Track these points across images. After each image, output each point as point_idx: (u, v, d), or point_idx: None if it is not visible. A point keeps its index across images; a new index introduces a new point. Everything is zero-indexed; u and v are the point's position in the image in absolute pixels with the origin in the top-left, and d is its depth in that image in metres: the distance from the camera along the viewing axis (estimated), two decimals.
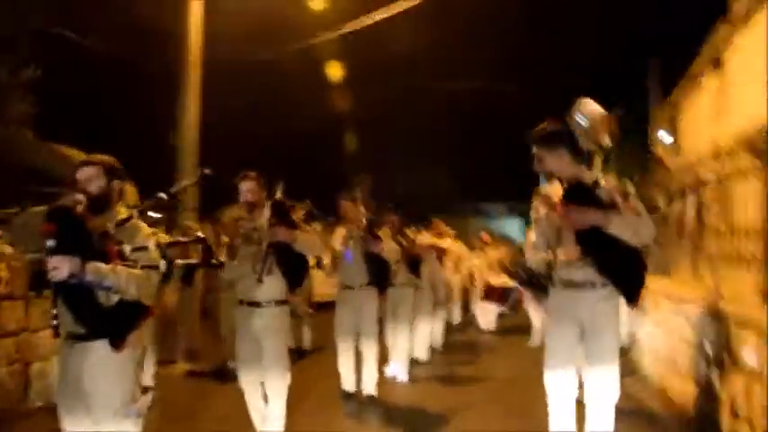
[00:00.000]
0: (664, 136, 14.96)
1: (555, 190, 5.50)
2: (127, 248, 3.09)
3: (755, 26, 8.49)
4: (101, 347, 2.98)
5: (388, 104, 19.89)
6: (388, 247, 5.95)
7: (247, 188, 4.56)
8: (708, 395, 4.40)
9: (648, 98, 15.95)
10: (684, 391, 4.92)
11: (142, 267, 3.07)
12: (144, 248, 3.15)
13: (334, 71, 15.88)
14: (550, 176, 3.82)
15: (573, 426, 3.65)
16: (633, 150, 14.75)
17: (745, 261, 4.75)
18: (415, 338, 7.50)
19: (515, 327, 10.27)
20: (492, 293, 10.04)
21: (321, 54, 13.44)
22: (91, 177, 3.19)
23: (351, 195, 5.73)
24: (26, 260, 5.60)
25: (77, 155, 9.82)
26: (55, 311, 2.88)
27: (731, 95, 10.06)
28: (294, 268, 4.53)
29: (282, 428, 4.43)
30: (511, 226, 30.70)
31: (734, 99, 9.89)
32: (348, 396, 5.83)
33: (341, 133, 21.36)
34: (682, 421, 4.86)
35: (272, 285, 4.42)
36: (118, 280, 2.95)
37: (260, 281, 4.36)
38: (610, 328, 3.58)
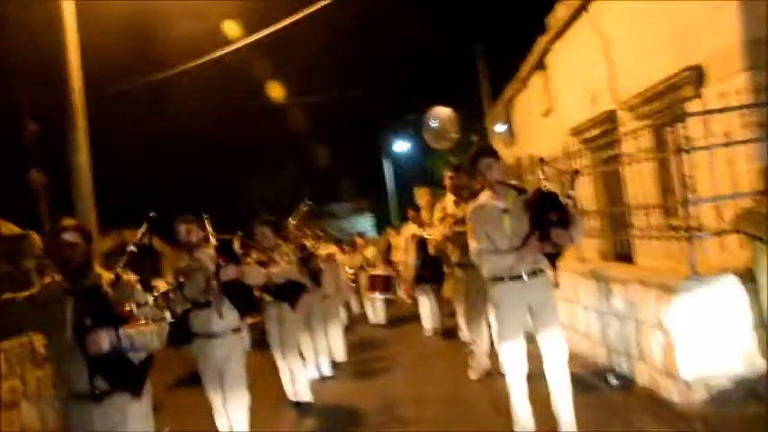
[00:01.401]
0: (499, 127, 16.76)
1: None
2: (134, 307, 3.33)
3: (571, 37, 10.17)
4: (123, 399, 3.27)
5: (238, 122, 20.19)
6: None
7: (186, 230, 4.89)
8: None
9: (480, 95, 17.66)
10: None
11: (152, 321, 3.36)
12: (145, 304, 3.44)
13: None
14: (491, 186, 4.16)
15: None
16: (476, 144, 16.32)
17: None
18: (332, 341, 8.10)
19: (402, 317, 11.18)
20: (376, 283, 10.57)
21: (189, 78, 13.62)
22: (71, 243, 3.33)
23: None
24: None
25: None
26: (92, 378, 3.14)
27: (553, 91, 11.79)
28: (244, 299, 4.93)
29: None
30: (359, 223, 31.85)
31: (557, 93, 11.62)
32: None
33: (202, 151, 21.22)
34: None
35: (228, 317, 4.76)
36: (144, 339, 3.26)
37: (221, 316, 4.69)
38: (554, 303, 4.19)
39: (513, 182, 4.52)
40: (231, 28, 12.95)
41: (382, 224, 29.83)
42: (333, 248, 9.35)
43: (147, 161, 17.01)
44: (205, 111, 18.31)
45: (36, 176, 15.41)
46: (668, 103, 6.78)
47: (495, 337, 5.82)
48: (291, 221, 7.30)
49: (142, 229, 3.89)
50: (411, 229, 9.13)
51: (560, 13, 10.39)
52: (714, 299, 4.33)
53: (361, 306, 12.06)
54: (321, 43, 17.48)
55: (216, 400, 4.86)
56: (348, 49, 20.31)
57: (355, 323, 11.44)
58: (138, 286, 3.50)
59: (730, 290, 4.33)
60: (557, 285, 4.14)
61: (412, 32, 19.34)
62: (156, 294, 3.70)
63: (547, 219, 3.89)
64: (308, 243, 7.54)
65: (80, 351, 3.16)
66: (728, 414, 4.09)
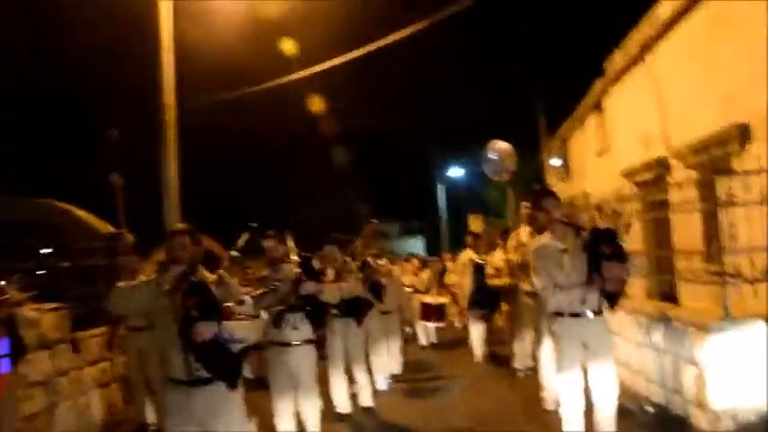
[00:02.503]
0: (554, 161, 17.24)
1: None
2: (234, 305, 3.65)
3: (627, 83, 10.68)
4: (221, 389, 3.52)
5: (302, 141, 21.15)
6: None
7: (274, 244, 5.22)
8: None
9: (537, 132, 18.19)
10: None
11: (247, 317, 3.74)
12: (242, 302, 3.78)
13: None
14: (551, 225, 4.46)
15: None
16: (531, 177, 16.85)
17: None
18: (390, 356, 8.61)
19: (452, 341, 11.58)
20: (430, 313, 10.96)
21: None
22: (184, 245, 3.65)
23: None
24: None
25: (66, 207, 10.40)
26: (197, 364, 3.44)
27: (609, 132, 12.28)
28: (319, 314, 5.28)
29: None
30: (408, 244, 31.61)
31: (612, 135, 12.10)
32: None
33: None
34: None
35: (303, 329, 5.07)
36: (242, 333, 3.54)
37: (295, 327, 5.00)
38: (608, 340, 4.47)
39: (573, 221, 4.74)
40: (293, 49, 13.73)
41: (432, 247, 30.29)
42: (393, 267, 9.76)
43: (217, 170, 18.00)
44: (276, 128, 19.30)
45: (116, 179, 16.55)
46: (714, 156, 7.25)
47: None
48: (359, 242, 7.91)
49: (245, 237, 4.43)
50: (468, 254, 9.39)
51: (618, 59, 10.93)
52: (744, 340, 4.85)
53: (412, 327, 12.24)
54: (388, 70, 18.27)
55: (282, 404, 5.11)
56: (411, 77, 21.14)
57: (407, 342, 11.40)
58: (238, 286, 3.91)
59: (759, 333, 4.85)
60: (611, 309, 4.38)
61: (474, 64, 20.01)
62: (253, 295, 4.19)
63: (601, 254, 4.12)
64: (371, 260, 7.87)
65: (183, 341, 3.43)
66: None
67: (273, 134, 19.87)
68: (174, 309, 3.51)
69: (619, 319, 6.44)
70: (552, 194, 4.62)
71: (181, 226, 3.87)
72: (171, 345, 3.52)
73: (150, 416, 6.72)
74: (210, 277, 3.73)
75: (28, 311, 5.95)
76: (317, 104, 18.86)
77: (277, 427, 5.19)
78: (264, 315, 4.22)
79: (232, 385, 3.54)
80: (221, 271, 3.95)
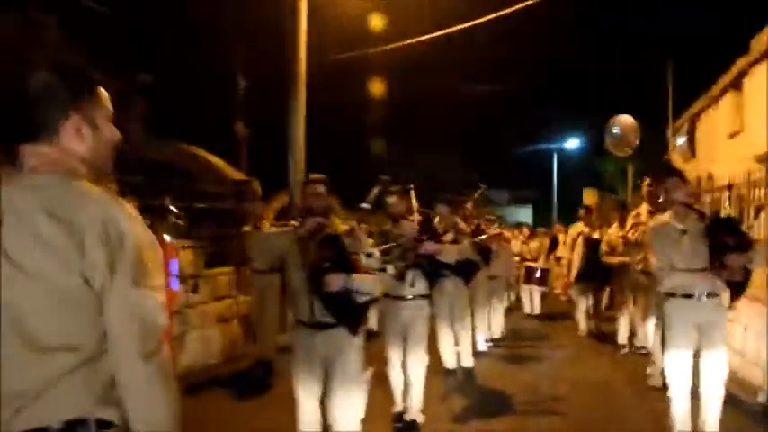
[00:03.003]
0: (680, 139, 16.52)
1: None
2: (363, 257, 3.74)
3: None
4: (343, 333, 3.63)
5: (412, 101, 21.31)
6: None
7: (397, 200, 5.09)
8: None
9: (665, 108, 17.41)
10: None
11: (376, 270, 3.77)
12: (371, 255, 3.85)
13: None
14: (665, 204, 4.50)
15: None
16: (653, 153, 16.23)
17: None
18: (493, 319, 8.90)
19: (556, 313, 11.66)
20: (532, 275, 11.18)
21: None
22: (318, 194, 3.74)
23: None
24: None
25: (199, 152, 11.16)
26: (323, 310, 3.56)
27: (746, 113, 11.62)
28: (435, 272, 5.35)
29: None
30: (518, 213, 30.59)
31: (749, 116, 11.46)
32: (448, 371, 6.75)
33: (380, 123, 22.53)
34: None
35: (419, 285, 5.13)
36: (368, 285, 3.62)
37: (412, 285, 5.05)
38: (722, 325, 4.41)
39: (696, 205, 4.69)
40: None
41: (542, 218, 29.89)
42: (504, 233, 9.83)
43: (338, 127, 18.50)
44: (395, 88, 19.57)
45: (241, 129, 17.48)
46: None
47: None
48: (468, 205, 8.06)
49: (377, 189, 4.43)
50: (579, 227, 9.39)
51: (765, 38, 10.29)
52: None
53: (518, 295, 12.41)
54: (514, 36, 17.97)
55: (394, 355, 5.16)
56: (537, 44, 20.63)
57: (511, 309, 11.61)
58: (366, 239, 3.98)
59: None
60: (731, 308, 4.39)
61: (604, 33, 19.30)
62: (381, 249, 4.25)
63: (723, 243, 4.04)
64: (483, 224, 8.10)
65: (312, 288, 3.56)
66: None
67: (394, 95, 20.10)
68: (305, 256, 3.63)
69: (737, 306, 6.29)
70: (678, 173, 4.52)
71: (316, 175, 3.85)
72: (299, 290, 3.67)
73: (268, 352, 7.10)
74: (342, 227, 3.82)
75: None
76: (437, 68, 18.94)
77: (389, 375, 5.24)
78: (391, 269, 4.20)
79: (353, 331, 3.65)
80: (354, 223, 4.07)
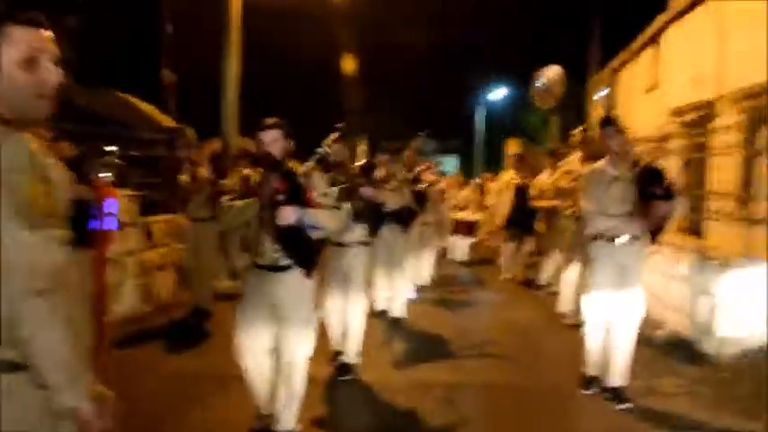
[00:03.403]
0: (601, 93, 17.20)
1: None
2: (315, 195, 3.75)
3: (689, 21, 10.64)
4: (296, 275, 3.66)
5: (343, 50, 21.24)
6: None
7: (335, 148, 4.89)
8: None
9: (587, 61, 17.99)
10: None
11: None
12: (326, 194, 3.94)
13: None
14: (609, 153, 4.56)
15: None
16: (574, 106, 16.90)
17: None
18: (423, 266, 9.10)
19: (482, 259, 12.10)
20: (460, 228, 11.69)
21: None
22: (275, 139, 3.65)
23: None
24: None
25: (131, 99, 10.89)
26: (277, 248, 3.57)
27: (662, 69, 12.26)
28: (376, 218, 5.48)
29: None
30: (444, 163, 31.90)
31: (664, 72, 12.10)
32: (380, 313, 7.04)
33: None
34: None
35: (357, 231, 5.18)
36: (324, 220, 3.63)
37: (351, 230, 5.03)
38: (642, 268, 4.65)
39: (630, 154, 4.75)
40: None
41: (467, 167, 30.52)
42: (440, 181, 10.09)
43: (275, 77, 18.24)
44: (329, 38, 19.40)
45: (168, 75, 17.04)
46: (762, 105, 7.41)
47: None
48: (408, 153, 8.24)
49: (333, 136, 4.35)
50: (510, 174, 9.63)
51: None
52: (758, 277, 5.28)
53: (446, 242, 12.42)
54: None
55: (334, 301, 5.26)
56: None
57: (440, 256, 11.67)
58: (322, 180, 4.06)
59: None
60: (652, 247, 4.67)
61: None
62: (337, 187, 4.26)
63: (651, 192, 4.27)
64: (417, 170, 8.10)
65: (268, 224, 3.54)
66: (749, 367, 5.12)
67: (320, 45, 19.92)
68: (262, 197, 3.60)
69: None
70: (615, 124, 4.63)
71: (272, 120, 3.75)
72: (257, 232, 3.64)
73: (203, 301, 7.17)
74: (299, 169, 3.80)
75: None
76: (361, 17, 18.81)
77: (326, 321, 5.29)
78: (346, 206, 4.12)
79: (308, 272, 3.67)
80: (310, 166, 4.08)
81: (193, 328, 6.76)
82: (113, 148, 5.54)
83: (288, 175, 3.56)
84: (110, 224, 5.36)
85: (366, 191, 5.12)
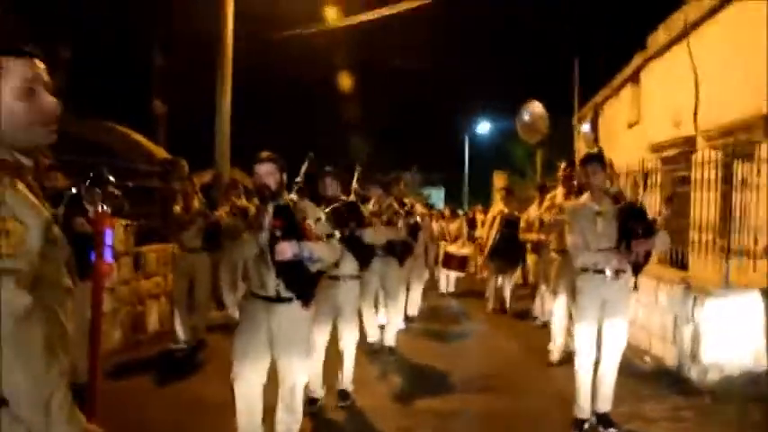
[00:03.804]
0: (584, 127, 17.62)
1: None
2: (311, 223, 3.76)
3: (666, 60, 11.05)
4: (295, 306, 3.70)
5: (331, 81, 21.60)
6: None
7: (329, 182, 5.15)
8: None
9: (571, 97, 18.44)
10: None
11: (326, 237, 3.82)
12: (319, 219, 3.89)
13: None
14: (592, 189, 4.69)
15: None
16: (560, 139, 17.29)
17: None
18: (411, 297, 9.18)
19: (469, 291, 12.31)
20: (452, 261, 11.66)
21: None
22: (270, 172, 3.73)
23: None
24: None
25: (124, 130, 10.99)
26: (278, 281, 3.62)
27: (643, 105, 12.66)
28: (365, 254, 5.46)
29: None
30: (431, 195, 30.78)
31: (645, 108, 12.49)
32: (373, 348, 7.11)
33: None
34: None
35: (348, 265, 5.18)
36: (321, 252, 3.67)
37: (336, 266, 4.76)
38: (626, 302, 4.74)
39: (613, 190, 5.00)
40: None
41: (453, 199, 30.88)
42: (427, 214, 10.24)
43: (262, 107, 18.47)
44: (317, 69, 19.74)
45: (159, 106, 17.24)
46: (739, 141, 7.73)
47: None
48: (401, 186, 8.39)
49: (304, 167, 4.20)
50: (499, 207, 9.75)
51: (661, 36, 11.26)
52: (738, 306, 5.53)
53: (433, 274, 12.49)
54: (428, 23, 18.50)
55: (321, 338, 5.18)
56: (448, 31, 21.36)
57: (426, 289, 11.63)
58: (313, 208, 3.99)
59: (752, 301, 5.52)
60: (635, 289, 4.67)
61: (515, 22, 20.21)
62: (327, 211, 4.34)
63: (632, 230, 4.39)
64: (409, 203, 8.11)
65: (270, 258, 3.60)
66: (733, 394, 5.33)
67: (310, 77, 20.29)
68: (259, 229, 3.70)
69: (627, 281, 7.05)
70: (598, 160, 4.76)
71: (267, 153, 3.83)
72: (257, 263, 3.72)
73: (182, 334, 7.14)
74: (288, 199, 3.84)
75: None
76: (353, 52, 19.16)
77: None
78: (337, 234, 4.11)
79: (306, 303, 3.73)
80: (293, 196, 3.98)
81: (186, 358, 6.84)
82: (111, 178, 5.63)
83: (284, 209, 3.64)
84: (108, 256, 5.41)
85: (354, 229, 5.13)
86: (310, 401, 5.08)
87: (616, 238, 4.48)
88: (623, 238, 4.42)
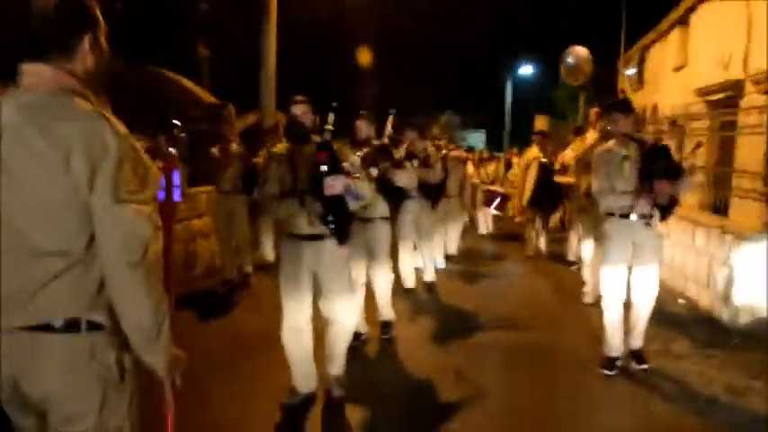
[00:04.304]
0: (630, 70, 17.28)
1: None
2: (348, 165, 3.82)
3: (718, 3, 10.76)
4: (333, 244, 3.82)
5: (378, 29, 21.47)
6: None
7: (363, 125, 5.19)
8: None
9: (617, 39, 18.05)
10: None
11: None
12: (353, 163, 3.94)
13: None
14: (609, 135, 4.85)
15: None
16: (604, 82, 17.02)
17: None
18: (449, 237, 9.43)
19: (508, 233, 12.34)
20: (492, 199, 11.71)
21: None
22: (305, 112, 3.90)
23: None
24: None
25: (171, 75, 11.26)
26: (330, 218, 3.63)
27: (691, 48, 12.38)
28: (396, 195, 5.49)
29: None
30: (471, 137, 30.49)
31: (693, 52, 12.22)
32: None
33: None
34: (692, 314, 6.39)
35: (379, 207, 5.26)
36: (363, 189, 3.76)
37: (373, 205, 4.97)
38: (656, 247, 4.73)
39: (639, 135, 4.93)
40: None
41: (494, 143, 30.67)
42: (463, 155, 10.37)
43: (305, 53, 18.54)
44: (365, 16, 19.63)
45: (202, 50, 17.48)
46: None
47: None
48: (436, 130, 8.54)
49: (331, 117, 4.09)
50: (534, 152, 9.69)
51: None
52: None
53: (470, 216, 12.53)
54: None
55: (356, 274, 5.06)
56: None
57: (465, 230, 11.69)
58: (348, 150, 4.07)
59: None
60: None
61: None
62: (360, 155, 4.34)
63: (655, 170, 4.36)
64: (443, 145, 8.41)
65: (315, 193, 3.60)
66: (761, 335, 5.50)
67: (355, 17, 20.17)
68: (295, 165, 3.80)
69: (667, 224, 7.12)
70: (622, 108, 4.74)
71: (301, 97, 3.98)
72: (293, 204, 3.74)
73: (232, 271, 7.52)
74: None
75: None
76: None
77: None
78: (375, 171, 4.28)
79: (342, 241, 3.79)
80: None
81: (229, 294, 7.17)
82: (177, 122, 5.89)
83: (326, 144, 3.62)
84: (176, 196, 5.71)
85: (388, 171, 5.11)
86: (354, 336, 5.24)
87: (639, 180, 4.49)
88: (646, 178, 4.42)
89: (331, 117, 3.79)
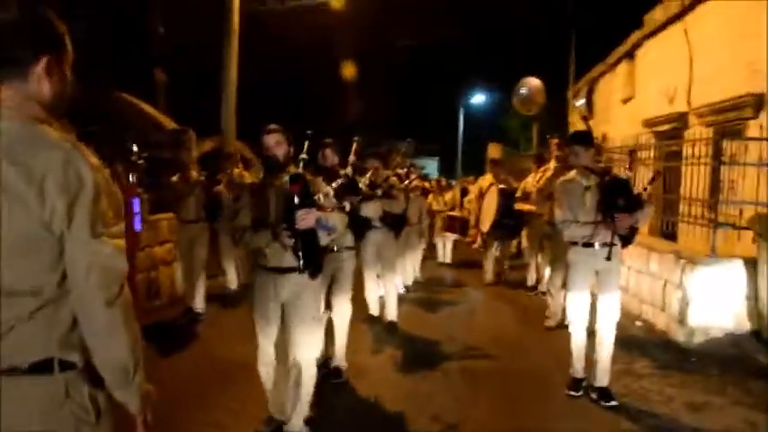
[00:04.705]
0: (579, 101, 17.91)
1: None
2: (321, 197, 3.77)
3: (662, 39, 11.33)
4: (302, 277, 3.71)
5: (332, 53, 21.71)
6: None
7: (328, 153, 5.23)
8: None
9: (566, 71, 18.69)
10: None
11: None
12: (326, 194, 3.91)
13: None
14: (569, 167, 5.08)
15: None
16: (555, 112, 17.63)
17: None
18: (408, 266, 9.40)
19: (466, 261, 12.43)
20: (453, 225, 11.81)
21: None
22: (279, 142, 3.80)
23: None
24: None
25: (132, 99, 11.12)
26: (300, 253, 3.54)
27: (638, 81, 12.94)
28: (361, 226, 5.61)
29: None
30: (425, 165, 31.40)
31: (639, 85, 12.79)
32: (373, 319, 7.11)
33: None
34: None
35: (345, 237, 5.21)
36: (335, 222, 3.74)
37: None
38: (617, 272, 4.90)
39: (598, 166, 5.10)
40: None
41: (447, 170, 31.14)
42: (426, 185, 10.57)
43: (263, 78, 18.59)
44: (316, 41, 19.85)
45: (159, 75, 17.37)
46: (729, 119, 8.09)
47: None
48: (397, 158, 8.63)
49: (306, 145, 4.07)
50: (488, 179, 9.85)
51: (657, 14, 11.52)
52: (723, 274, 5.98)
53: (429, 244, 12.43)
54: None
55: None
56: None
57: (424, 258, 11.60)
58: (320, 181, 4.04)
59: (736, 270, 5.97)
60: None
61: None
62: (335, 186, 4.32)
63: (615, 203, 4.53)
64: (403, 175, 8.36)
65: (288, 227, 3.54)
66: (716, 354, 5.79)
67: (313, 47, 20.39)
68: (263, 200, 3.77)
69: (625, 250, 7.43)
70: (585, 140, 4.93)
71: (274, 125, 3.87)
72: (266, 236, 3.70)
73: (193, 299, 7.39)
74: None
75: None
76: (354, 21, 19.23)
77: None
78: (347, 206, 4.25)
79: (313, 275, 3.73)
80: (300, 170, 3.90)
81: (188, 327, 7.02)
82: (134, 147, 5.87)
83: (299, 176, 3.55)
84: (137, 224, 5.55)
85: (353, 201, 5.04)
86: (335, 372, 5.28)
87: (600, 210, 4.63)
88: (607, 210, 4.56)
89: (305, 146, 3.81)
